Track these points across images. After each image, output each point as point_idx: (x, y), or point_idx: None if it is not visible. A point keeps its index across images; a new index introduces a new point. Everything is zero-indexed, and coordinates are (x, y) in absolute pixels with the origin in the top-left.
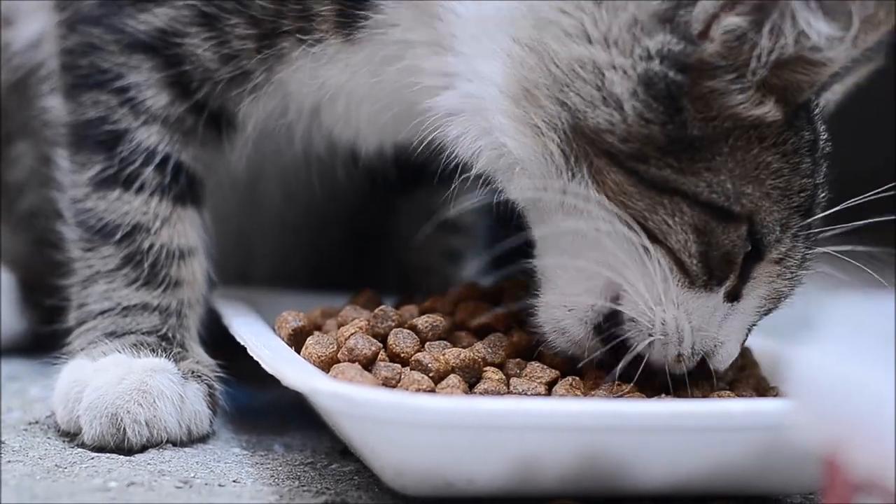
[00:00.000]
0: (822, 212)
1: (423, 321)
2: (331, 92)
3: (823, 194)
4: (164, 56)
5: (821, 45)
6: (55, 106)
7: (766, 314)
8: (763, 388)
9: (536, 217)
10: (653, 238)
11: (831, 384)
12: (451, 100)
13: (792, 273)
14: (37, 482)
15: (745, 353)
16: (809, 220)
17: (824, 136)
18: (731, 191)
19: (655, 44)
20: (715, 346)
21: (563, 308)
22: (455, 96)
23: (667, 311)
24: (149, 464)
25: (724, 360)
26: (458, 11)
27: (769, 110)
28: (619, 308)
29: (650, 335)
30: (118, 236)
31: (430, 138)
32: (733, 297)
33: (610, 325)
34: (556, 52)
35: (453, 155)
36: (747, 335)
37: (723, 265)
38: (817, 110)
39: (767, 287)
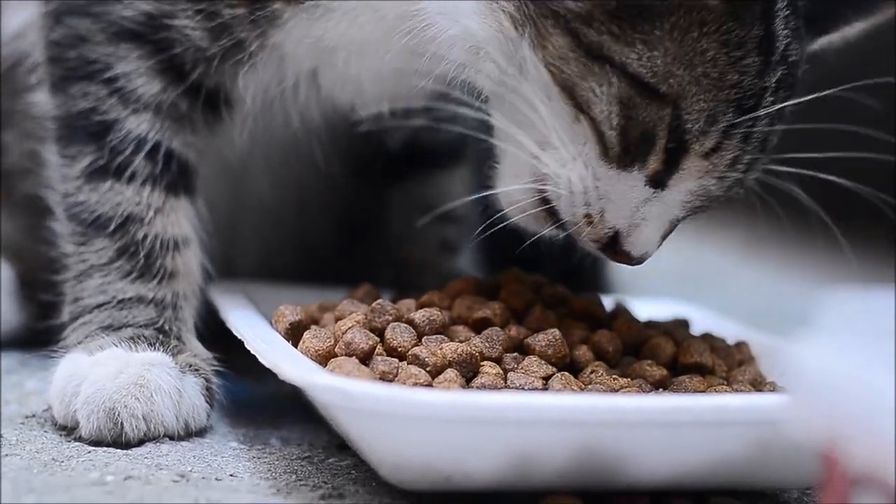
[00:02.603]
0: (772, 117)
1: (420, 315)
2: (329, 47)
3: (773, 98)
4: (153, 42)
5: None
6: (42, 100)
7: (694, 211)
8: (760, 383)
9: (497, 105)
10: (578, 107)
11: (829, 379)
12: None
13: (722, 171)
14: (34, 476)
15: (742, 348)
16: (747, 117)
17: (785, 39)
18: (659, 68)
19: None
20: (630, 225)
21: (512, 176)
22: None
23: (575, 170)
24: (146, 458)
25: (638, 243)
26: None
27: None
28: (540, 166)
29: (560, 189)
30: (111, 228)
31: (427, 55)
32: (658, 183)
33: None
34: None
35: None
36: (671, 229)
37: (640, 144)
38: (780, 13)
39: (696, 182)
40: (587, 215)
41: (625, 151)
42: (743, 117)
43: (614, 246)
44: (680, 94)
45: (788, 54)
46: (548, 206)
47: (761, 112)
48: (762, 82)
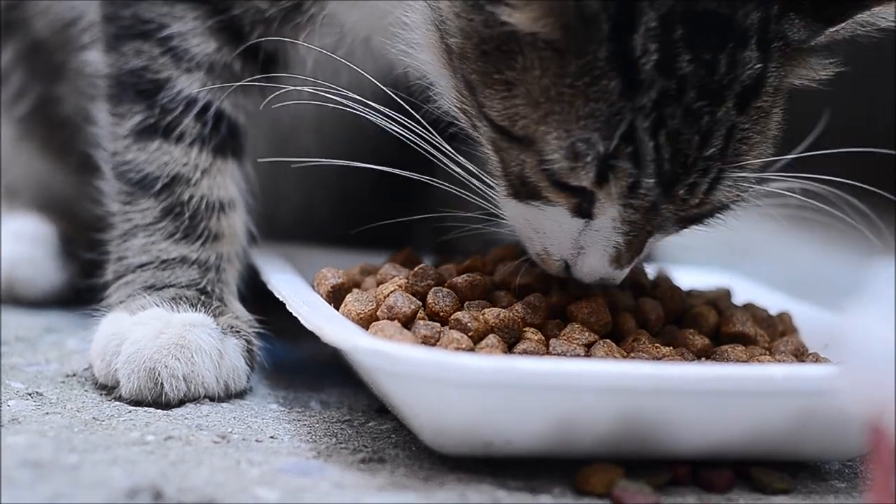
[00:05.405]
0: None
1: (462, 280)
2: (375, 18)
3: (653, 115)
4: (211, 3)
5: None
6: (95, 59)
7: (634, 234)
8: (802, 354)
9: None
10: (479, 143)
11: (878, 350)
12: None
13: (641, 196)
14: (75, 434)
15: (784, 318)
16: (624, 145)
17: (658, 52)
18: (510, 111)
19: None
20: (572, 254)
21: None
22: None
23: (505, 210)
24: (186, 418)
25: (585, 269)
26: None
27: (540, 24)
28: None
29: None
30: (158, 187)
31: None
32: (584, 214)
33: None
34: None
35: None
36: (634, 249)
37: (524, 186)
38: (646, 24)
39: (617, 208)
40: (537, 253)
41: (517, 193)
42: (617, 142)
43: (569, 272)
44: (533, 134)
45: (677, 66)
46: None
47: (643, 134)
48: (631, 104)
